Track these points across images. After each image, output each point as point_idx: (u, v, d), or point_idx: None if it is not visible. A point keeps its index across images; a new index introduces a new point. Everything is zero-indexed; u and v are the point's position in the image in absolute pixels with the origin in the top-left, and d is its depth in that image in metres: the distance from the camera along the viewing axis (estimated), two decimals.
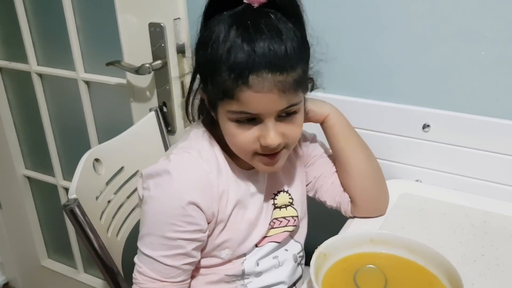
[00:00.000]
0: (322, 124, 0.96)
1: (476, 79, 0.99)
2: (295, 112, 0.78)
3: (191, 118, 0.94)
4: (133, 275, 0.84)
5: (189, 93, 0.89)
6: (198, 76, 0.83)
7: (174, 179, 0.79)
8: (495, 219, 0.96)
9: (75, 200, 0.89)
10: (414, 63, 1.04)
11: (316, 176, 1.00)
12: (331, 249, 0.80)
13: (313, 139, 1.02)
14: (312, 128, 1.00)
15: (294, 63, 0.72)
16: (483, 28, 0.94)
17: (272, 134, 0.75)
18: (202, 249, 0.86)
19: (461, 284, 0.70)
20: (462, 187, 1.06)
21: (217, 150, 0.85)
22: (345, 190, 0.97)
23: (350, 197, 0.96)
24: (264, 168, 0.82)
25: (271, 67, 0.70)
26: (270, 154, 0.79)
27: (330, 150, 1.00)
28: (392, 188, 1.02)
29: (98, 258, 0.93)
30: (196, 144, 0.85)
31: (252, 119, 0.76)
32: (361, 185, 0.94)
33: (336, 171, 0.98)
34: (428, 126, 1.06)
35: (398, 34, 1.03)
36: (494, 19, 0.93)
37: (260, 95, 0.71)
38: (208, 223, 0.83)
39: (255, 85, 0.71)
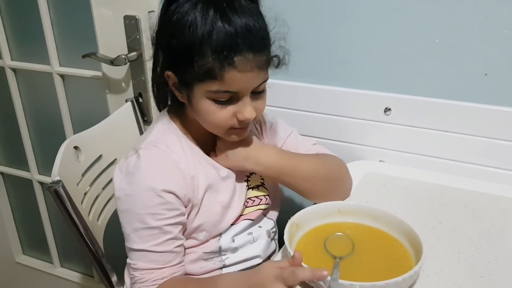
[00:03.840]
0: None
1: (431, 64, 1.06)
2: (263, 89, 0.85)
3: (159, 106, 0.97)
4: (130, 275, 0.86)
5: (153, 80, 0.91)
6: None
7: (146, 174, 0.83)
8: (451, 192, 1.04)
9: (59, 181, 0.92)
10: (374, 50, 1.10)
11: None
12: (302, 220, 0.86)
13: (273, 125, 1.03)
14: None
15: (268, 43, 0.80)
16: (436, 16, 1.02)
17: (249, 109, 0.81)
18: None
19: (421, 245, 0.77)
20: (421, 165, 1.14)
21: (183, 140, 0.89)
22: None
23: None
24: (235, 138, 0.88)
25: (254, 48, 0.76)
26: (242, 127, 0.85)
27: (291, 134, 1.04)
28: (357, 168, 1.09)
29: (81, 238, 0.96)
30: (163, 136, 0.88)
31: (231, 97, 0.81)
32: (316, 197, 0.96)
33: None
34: (389, 109, 1.12)
35: (360, 23, 1.09)
36: (446, 8, 1.01)
37: (243, 74, 0.76)
38: (185, 207, 0.87)
39: (240, 66, 0.75)
